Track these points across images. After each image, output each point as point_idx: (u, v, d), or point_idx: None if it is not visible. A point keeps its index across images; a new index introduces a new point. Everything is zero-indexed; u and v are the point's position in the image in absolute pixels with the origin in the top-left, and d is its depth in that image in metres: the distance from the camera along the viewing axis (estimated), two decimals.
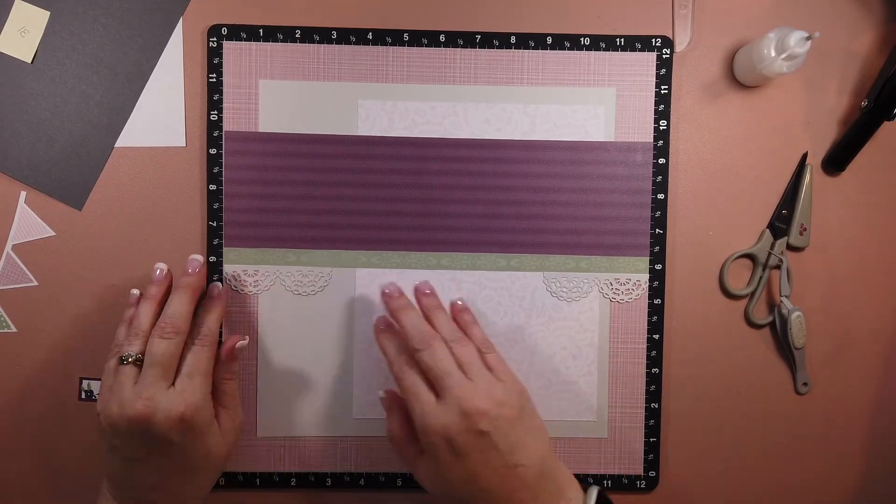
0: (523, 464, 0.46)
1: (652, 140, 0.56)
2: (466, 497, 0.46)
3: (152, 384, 0.46)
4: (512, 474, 0.45)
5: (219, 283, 0.54)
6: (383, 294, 0.52)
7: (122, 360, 0.48)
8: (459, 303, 0.53)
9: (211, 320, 0.51)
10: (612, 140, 0.56)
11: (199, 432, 0.47)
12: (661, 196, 0.56)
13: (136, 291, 0.52)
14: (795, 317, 0.56)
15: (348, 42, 0.56)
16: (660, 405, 0.57)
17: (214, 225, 0.56)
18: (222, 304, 0.53)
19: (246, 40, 0.55)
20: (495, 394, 0.46)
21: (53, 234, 0.56)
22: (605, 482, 0.57)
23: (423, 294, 0.53)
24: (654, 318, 0.57)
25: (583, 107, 0.56)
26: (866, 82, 0.57)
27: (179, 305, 0.49)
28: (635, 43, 0.56)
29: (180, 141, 0.56)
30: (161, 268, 0.52)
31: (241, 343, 0.51)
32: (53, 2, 0.55)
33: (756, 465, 0.58)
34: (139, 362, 0.48)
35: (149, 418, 0.45)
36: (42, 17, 0.54)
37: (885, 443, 0.59)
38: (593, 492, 0.48)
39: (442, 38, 0.56)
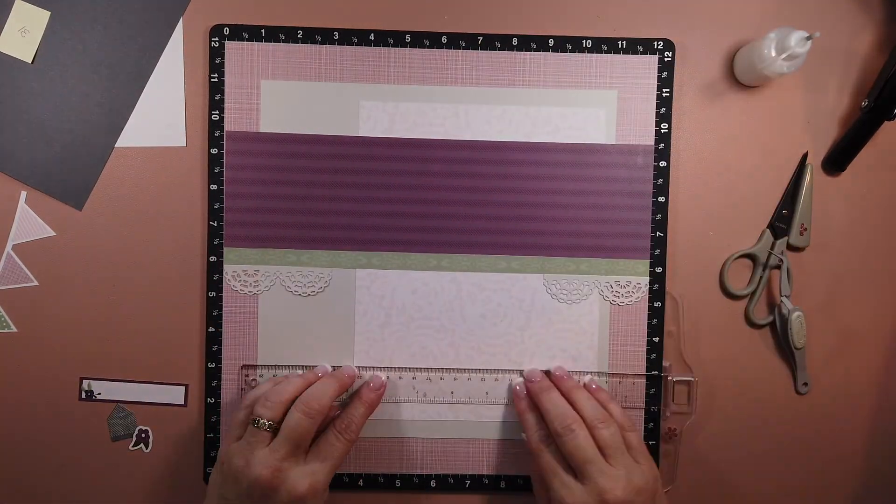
0: None
1: (653, 143, 0.56)
2: None
3: (286, 457, 0.47)
4: None
5: (380, 377, 0.55)
6: (525, 378, 0.55)
7: (254, 422, 0.48)
8: (594, 385, 0.55)
9: (357, 414, 0.51)
10: (614, 143, 0.56)
11: None
12: (661, 199, 0.56)
13: (327, 367, 0.55)
14: (796, 317, 0.56)
15: (350, 43, 0.56)
16: (659, 408, 0.57)
17: (215, 225, 0.56)
18: (377, 399, 0.54)
19: (248, 40, 0.55)
20: (635, 481, 0.48)
21: (53, 234, 0.56)
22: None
23: (561, 379, 0.55)
24: (654, 320, 0.57)
25: (584, 109, 0.56)
26: (867, 82, 0.57)
27: (325, 388, 0.50)
28: (637, 45, 0.56)
29: (181, 141, 0.56)
30: (325, 368, 0.55)
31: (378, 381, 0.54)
32: (54, 1, 0.55)
33: (756, 465, 0.58)
34: (273, 430, 0.48)
35: (275, 488, 0.46)
36: (42, 17, 0.54)
37: (885, 443, 0.59)
38: None
39: (444, 39, 0.56)
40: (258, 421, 0.48)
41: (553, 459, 0.50)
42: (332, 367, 0.55)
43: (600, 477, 0.48)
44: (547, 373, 0.56)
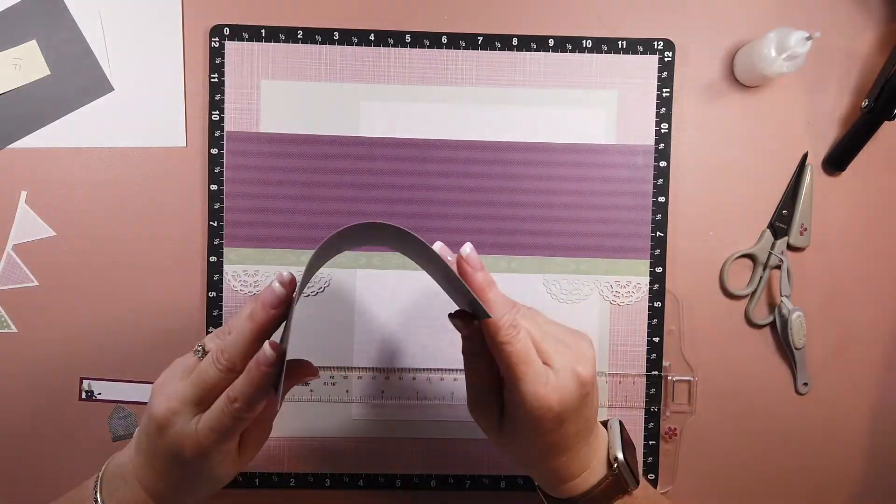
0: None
1: (653, 143, 0.56)
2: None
3: (185, 401, 0.41)
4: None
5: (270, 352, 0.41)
6: (469, 260, 0.42)
7: (195, 349, 0.43)
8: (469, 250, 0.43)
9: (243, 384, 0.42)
10: (614, 143, 0.56)
11: (206, 465, 0.42)
12: (661, 199, 0.56)
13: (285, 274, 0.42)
14: (796, 317, 0.56)
15: (350, 43, 0.56)
16: (659, 408, 0.57)
17: (215, 225, 0.56)
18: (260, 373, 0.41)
19: (248, 41, 0.55)
20: (582, 349, 0.42)
21: (53, 234, 0.56)
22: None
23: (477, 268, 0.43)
24: (654, 320, 0.57)
25: (584, 109, 0.56)
26: (867, 82, 0.57)
27: (237, 337, 0.42)
28: (637, 46, 0.56)
29: (181, 141, 0.56)
30: (282, 276, 0.42)
31: (312, 379, 0.48)
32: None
33: (756, 465, 0.58)
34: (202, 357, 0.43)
35: (163, 427, 0.41)
36: (31, 47, 0.55)
37: (885, 443, 0.59)
38: (615, 423, 0.45)
39: (444, 39, 0.56)
40: (196, 347, 0.43)
41: (528, 344, 0.40)
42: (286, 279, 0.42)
43: (557, 355, 0.41)
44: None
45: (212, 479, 0.44)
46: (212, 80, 0.55)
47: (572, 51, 0.56)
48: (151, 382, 0.56)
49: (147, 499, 0.44)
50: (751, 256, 0.58)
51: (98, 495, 0.44)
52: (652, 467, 0.57)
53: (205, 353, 0.43)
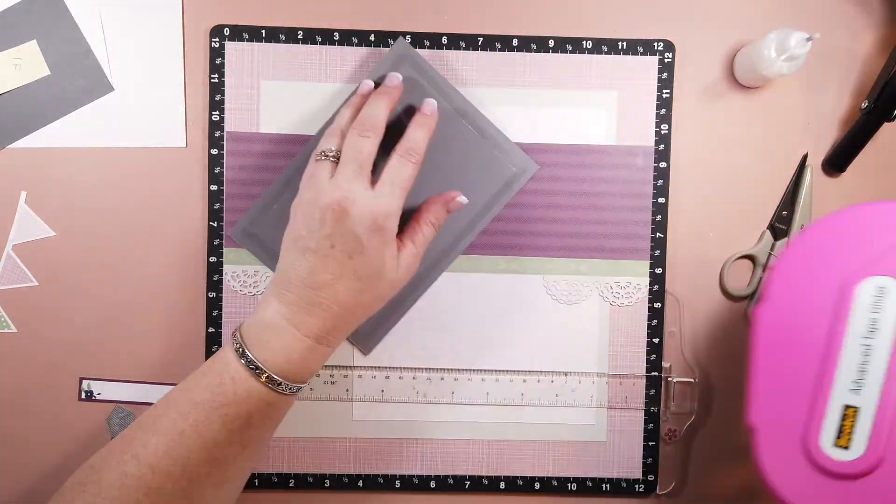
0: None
1: (653, 144, 0.56)
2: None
3: (350, 179, 0.46)
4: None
5: (433, 101, 0.51)
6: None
7: (316, 159, 0.47)
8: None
9: (419, 136, 0.49)
10: (614, 144, 0.56)
11: (384, 241, 0.46)
12: (661, 200, 0.56)
13: (369, 83, 0.52)
14: None
15: (350, 43, 0.56)
16: (659, 409, 0.57)
17: (215, 225, 0.56)
18: (433, 122, 0.50)
19: (248, 41, 0.55)
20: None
21: (53, 234, 0.56)
22: (603, 486, 0.57)
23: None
24: (655, 321, 0.57)
25: (584, 110, 0.56)
26: (867, 83, 0.57)
27: (376, 108, 0.48)
28: (637, 46, 0.56)
29: (180, 142, 0.56)
30: (368, 84, 0.51)
31: (462, 199, 0.51)
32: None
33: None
34: (336, 159, 0.47)
35: (345, 210, 0.45)
36: (31, 47, 0.55)
37: None
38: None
39: (444, 40, 0.56)
40: (320, 155, 0.47)
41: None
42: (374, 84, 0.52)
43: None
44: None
45: (377, 271, 0.47)
46: (212, 80, 0.55)
47: (572, 52, 0.56)
48: (151, 382, 0.56)
49: (305, 339, 0.46)
50: (751, 257, 0.58)
51: (248, 353, 0.45)
52: (652, 469, 0.57)
53: (335, 154, 0.47)
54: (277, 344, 0.46)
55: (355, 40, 0.56)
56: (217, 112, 0.55)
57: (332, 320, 0.47)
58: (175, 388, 0.47)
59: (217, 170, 0.55)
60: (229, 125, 0.55)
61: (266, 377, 0.45)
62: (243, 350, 0.46)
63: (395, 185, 0.47)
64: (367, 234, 0.45)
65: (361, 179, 0.46)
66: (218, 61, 0.55)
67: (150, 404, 0.56)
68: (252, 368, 0.45)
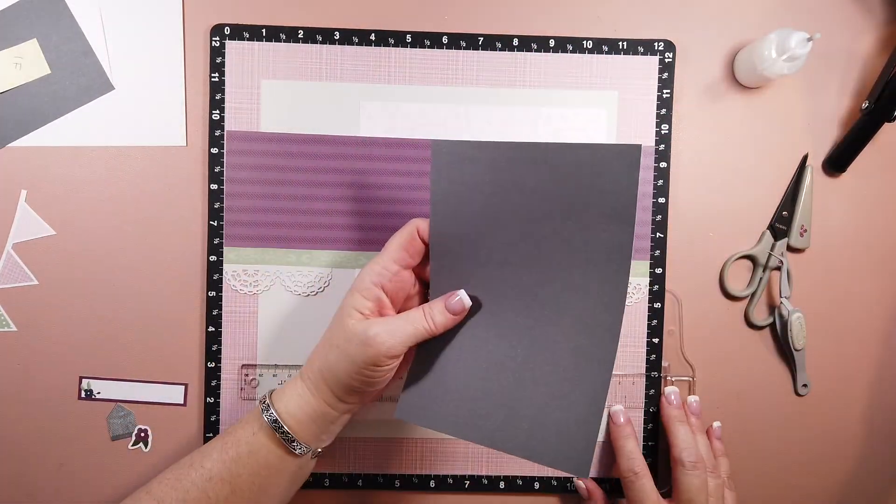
0: None
1: (653, 144, 0.56)
2: None
3: (371, 310, 0.46)
4: None
5: (466, 300, 0.47)
6: (664, 398, 0.56)
7: None
8: (717, 430, 0.57)
9: (441, 317, 0.47)
10: (614, 143, 0.56)
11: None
12: (661, 200, 0.56)
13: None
14: (795, 318, 0.56)
15: (351, 43, 0.56)
16: (658, 409, 0.57)
17: (215, 224, 0.56)
18: (459, 319, 0.48)
19: (248, 40, 0.55)
20: None
21: (53, 233, 0.56)
22: (603, 486, 0.57)
23: (692, 413, 0.57)
24: (654, 321, 0.57)
25: (585, 110, 0.56)
26: (867, 84, 0.57)
27: (389, 252, 0.48)
28: (638, 46, 0.56)
29: (181, 141, 0.56)
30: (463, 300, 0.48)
31: (461, 301, 0.49)
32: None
33: (755, 467, 0.58)
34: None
35: (356, 332, 0.45)
36: (31, 46, 0.55)
37: (883, 444, 0.59)
38: None
39: (444, 39, 0.56)
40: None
41: (643, 492, 0.52)
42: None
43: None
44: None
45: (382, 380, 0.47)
46: (212, 79, 0.55)
47: (573, 51, 0.56)
48: (151, 382, 0.56)
49: (324, 403, 0.48)
50: (751, 257, 0.58)
51: (271, 408, 0.48)
52: (651, 468, 0.57)
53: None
54: (299, 409, 0.48)
55: (355, 40, 0.55)
56: (217, 111, 0.55)
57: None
58: (202, 449, 0.49)
59: (217, 169, 0.55)
60: (229, 124, 0.55)
61: (291, 442, 0.47)
62: (268, 405, 0.48)
63: (408, 322, 0.46)
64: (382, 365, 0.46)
65: (380, 313, 0.47)
66: (218, 60, 0.55)
67: (150, 403, 0.56)
68: (272, 423, 0.47)
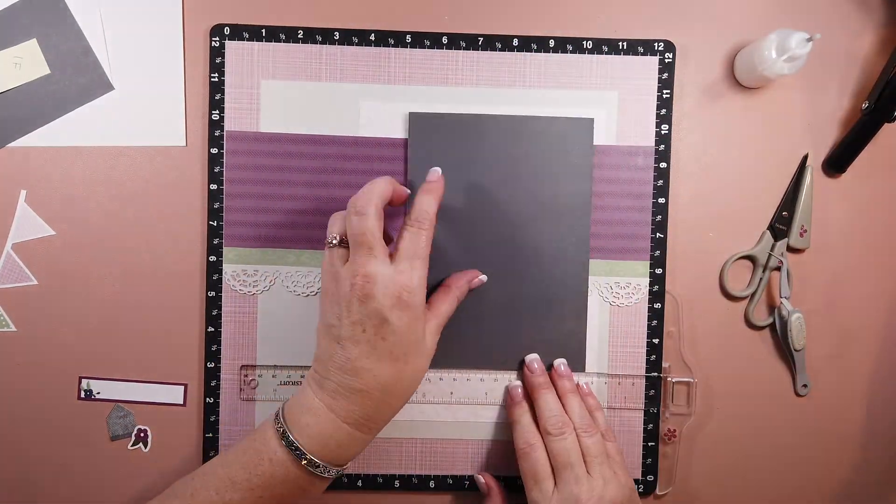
0: None
1: (653, 144, 0.56)
2: None
3: (364, 261, 0.45)
4: None
5: (437, 169, 0.50)
6: (526, 367, 0.55)
7: (328, 245, 0.47)
8: (586, 387, 0.56)
9: (426, 203, 0.48)
10: (614, 144, 0.56)
11: (413, 316, 0.46)
12: (661, 200, 0.56)
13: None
14: (795, 318, 0.56)
15: (350, 43, 0.55)
16: (658, 409, 0.57)
17: (215, 224, 0.56)
18: (440, 188, 0.49)
19: (248, 40, 0.55)
20: (609, 492, 0.50)
21: (53, 233, 0.56)
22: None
23: (559, 375, 0.55)
24: (654, 322, 0.57)
25: (585, 110, 0.56)
26: (867, 84, 0.57)
27: (372, 187, 0.47)
28: (638, 46, 0.56)
29: (180, 141, 0.56)
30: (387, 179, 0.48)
31: (482, 277, 0.53)
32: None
33: (755, 467, 0.58)
34: (340, 244, 0.47)
35: (369, 293, 0.44)
36: (31, 46, 0.55)
37: (883, 444, 0.59)
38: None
39: (444, 39, 0.56)
40: (330, 241, 0.47)
41: (539, 464, 0.51)
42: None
43: (576, 484, 0.49)
44: (549, 366, 0.56)
45: (415, 345, 0.47)
46: (212, 79, 0.55)
47: (573, 52, 0.56)
48: (151, 382, 0.56)
49: (344, 425, 0.47)
50: (750, 258, 0.58)
51: (289, 435, 0.46)
52: (651, 469, 0.57)
53: (341, 240, 0.47)
54: (316, 429, 0.46)
55: (355, 40, 0.55)
56: (217, 111, 0.55)
57: (373, 405, 0.47)
58: (214, 459, 0.48)
59: (217, 169, 0.55)
60: (229, 124, 0.55)
61: (307, 461, 0.46)
62: (285, 432, 0.46)
63: (413, 257, 0.46)
64: (393, 311, 0.45)
65: (377, 260, 0.45)
66: (218, 60, 0.55)
67: (150, 403, 0.56)
68: (293, 450, 0.46)
